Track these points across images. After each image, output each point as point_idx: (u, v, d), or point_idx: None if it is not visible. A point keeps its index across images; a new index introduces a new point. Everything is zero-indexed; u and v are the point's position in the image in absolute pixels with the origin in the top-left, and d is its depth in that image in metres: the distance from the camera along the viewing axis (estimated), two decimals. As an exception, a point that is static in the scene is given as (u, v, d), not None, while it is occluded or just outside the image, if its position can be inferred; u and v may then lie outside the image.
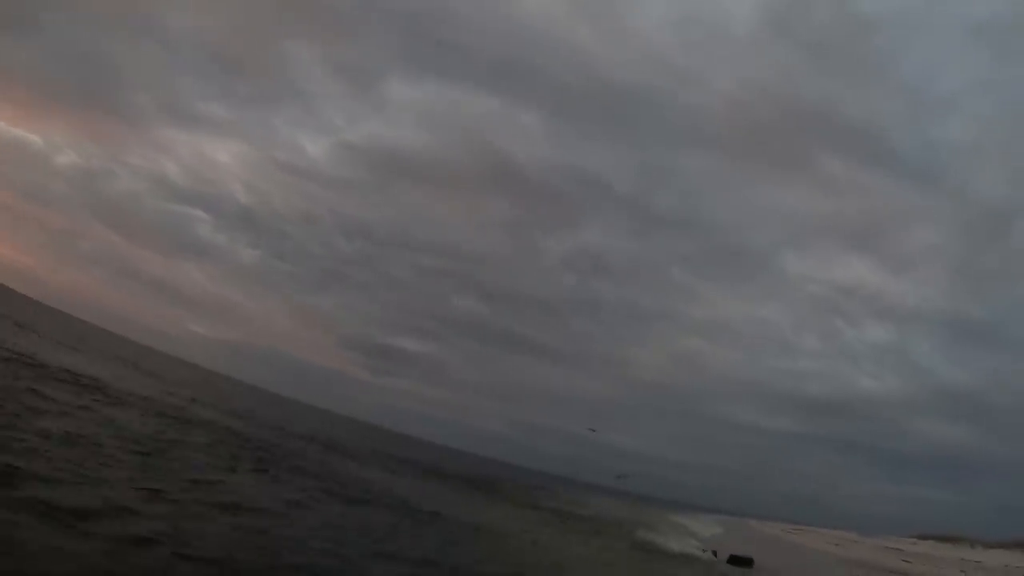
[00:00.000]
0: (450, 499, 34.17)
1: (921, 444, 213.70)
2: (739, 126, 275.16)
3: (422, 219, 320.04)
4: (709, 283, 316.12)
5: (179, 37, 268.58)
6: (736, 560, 38.62)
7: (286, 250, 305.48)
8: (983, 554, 62.28)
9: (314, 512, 17.44)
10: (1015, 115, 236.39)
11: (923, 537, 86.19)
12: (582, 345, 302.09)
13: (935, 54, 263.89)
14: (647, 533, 48.84)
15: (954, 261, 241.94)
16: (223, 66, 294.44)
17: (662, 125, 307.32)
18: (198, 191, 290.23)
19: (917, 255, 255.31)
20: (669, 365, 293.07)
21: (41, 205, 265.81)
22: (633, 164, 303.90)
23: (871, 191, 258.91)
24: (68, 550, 9.08)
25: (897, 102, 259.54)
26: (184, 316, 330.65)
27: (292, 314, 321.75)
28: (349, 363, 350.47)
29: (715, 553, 38.84)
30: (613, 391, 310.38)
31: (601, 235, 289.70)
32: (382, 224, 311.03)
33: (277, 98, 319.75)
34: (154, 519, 11.68)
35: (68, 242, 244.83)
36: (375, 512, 21.16)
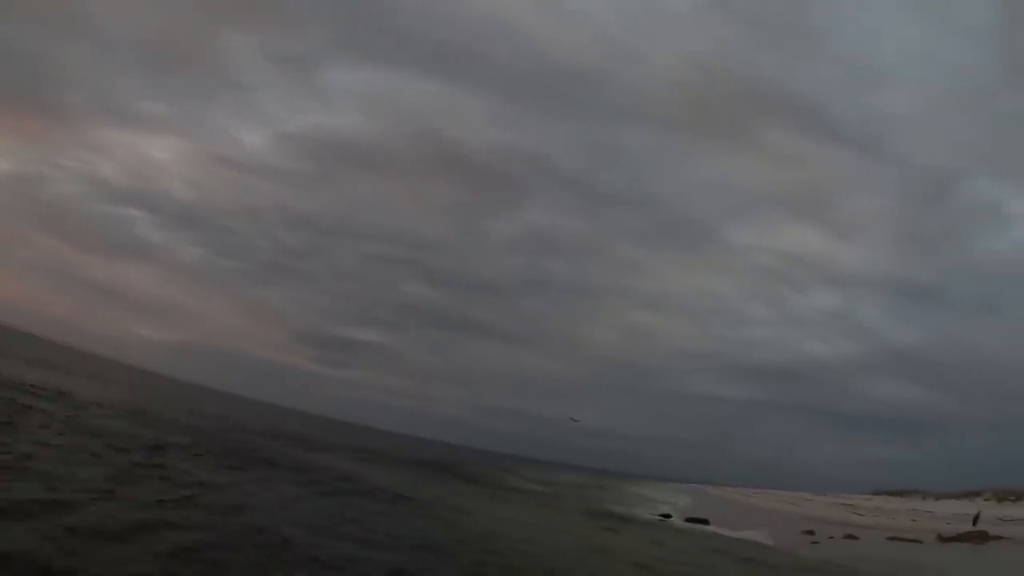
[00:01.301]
0: (421, 485, 34.59)
1: (872, 404, 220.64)
2: (682, 102, 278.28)
3: (367, 207, 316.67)
4: (657, 257, 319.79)
5: (112, 33, 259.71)
6: (693, 520, 39.25)
7: (230, 246, 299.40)
8: (933, 505, 64.30)
9: (302, 504, 18.01)
10: (952, 83, 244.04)
11: (876, 493, 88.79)
12: (535, 325, 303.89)
13: (873, 25, 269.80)
14: (605, 503, 49.28)
15: (897, 226, 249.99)
16: (158, 61, 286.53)
17: (606, 104, 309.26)
18: (137, 190, 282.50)
19: (861, 221, 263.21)
20: (622, 340, 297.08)
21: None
22: (578, 143, 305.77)
23: (814, 161, 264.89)
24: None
25: (837, 73, 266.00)
26: (130, 320, 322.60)
27: (241, 311, 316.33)
28: (302, 357, 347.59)
29: (668, 516, 39.29)
30: (568, 369, 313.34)
31: (548, 215, 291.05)
32: (327, 214, 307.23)
33: (214, 91, 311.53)
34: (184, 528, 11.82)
35: (3, 250, 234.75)
36: (356, 500, 21.68)
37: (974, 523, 41.64)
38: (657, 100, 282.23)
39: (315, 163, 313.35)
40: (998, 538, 35.67)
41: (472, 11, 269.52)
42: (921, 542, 35.22)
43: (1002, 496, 59.72)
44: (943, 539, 36.41)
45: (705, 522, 38.83)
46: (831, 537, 35.29)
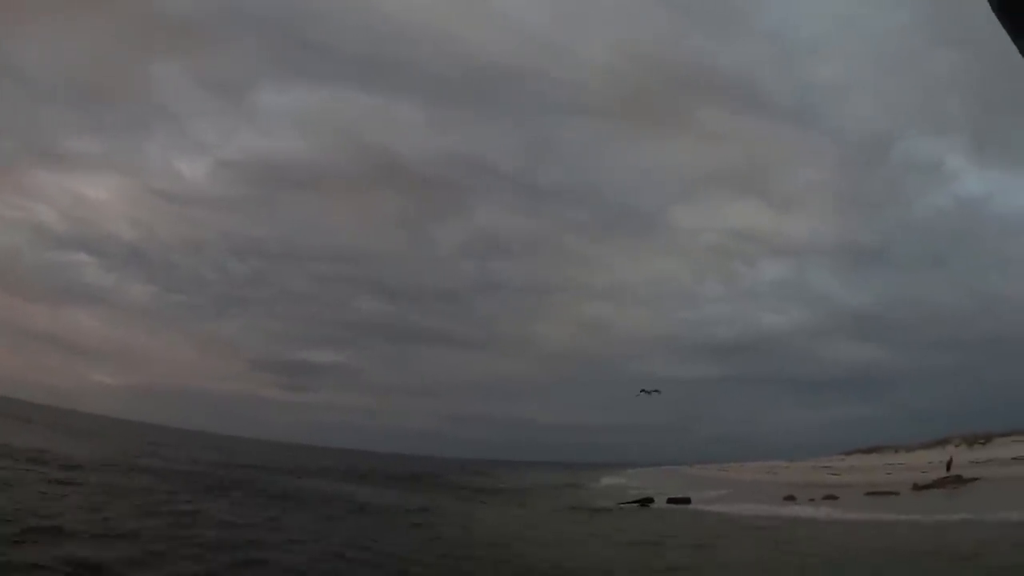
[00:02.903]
0: (401, 498, 35.47)
1: (832, 367, 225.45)
2: (615, 91, 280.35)
3: (312, 228, 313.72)
4: (606, 248, 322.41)
5: (35, 71, 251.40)
6: (674, 500, 39.73)
7: (179, 281, 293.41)
8: (906, 457, 66.17)
9: (293, 524, 19.60)
10: (878, 49, 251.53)
11: (849, 452, 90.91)
12: (492, 328, 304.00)
13: None
14: (577, 494, 49.71)
15: (839, 192, 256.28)
16: (86, 96, 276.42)
17: (540, 99, 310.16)
18: (79, 234, 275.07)
19: (803, 192, 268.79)
20: (579, 334, 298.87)
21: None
22: (515, 142, 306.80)
23: (751, 137, 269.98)
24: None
25: (765, 49, 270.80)
26: (86, 367, 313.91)
27: (196, 345, 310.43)
28: (263, 385, 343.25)
29: (649, 499, 39.69)
30: (529, 368, 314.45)
31: (493, 217, 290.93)
32: (273, 239, 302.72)
33: (147, 123, 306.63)
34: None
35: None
36: (347, 518, 23.28)
37: (947, 469, 43.03)
38: (590, 91, 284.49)
39: (256, 188, 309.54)
40: (973, 480, 36.90)
41: (397, 19, 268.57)
42: (898, 494, 36.29)
43: (971, 440, 61.72)
44: (919, 488, 37.56)
45: (687, 501, 39.35)
46: (811, 500, 36.13)
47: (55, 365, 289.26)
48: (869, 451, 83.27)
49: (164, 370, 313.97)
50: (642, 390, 39.10)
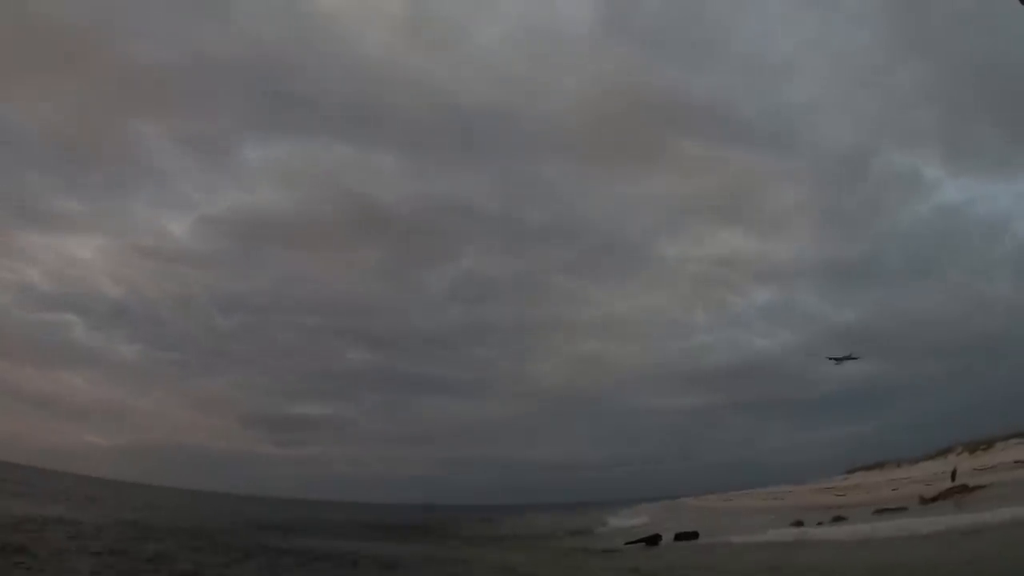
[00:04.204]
0: (408, 550, 36.23)
1: (827, 387, 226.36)
2: (592, 126, 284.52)
3: (299, 280, 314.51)
4: (593, 284, 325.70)
5: (18, 132, 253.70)
6: (682, 536, 39.43)
7: (166, 338, 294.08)
8: (910, 470, 66.23)
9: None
10: (848, 68, 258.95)
11: (852, 471, 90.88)
12: (485, 371, 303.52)
13: (766, 23, 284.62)
14: (582, 536, 49.36)
15: (819, 212, 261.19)
16: (70, 156, 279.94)
17: (518, 140, 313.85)
18: (66, 294, 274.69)
19: (784, 215, 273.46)
20: (573, 371, 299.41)
21: None
22: (497, 184, 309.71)
23: (729, 164, 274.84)
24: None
25: (737, 75, 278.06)
26: (77, 428, 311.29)
27: (186, 403, 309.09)
28: (256, 441, 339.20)
29: (656, 537, 39.41)
30: (523, 409, 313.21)
31: (479, 260, 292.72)
32: (258, 293, 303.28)
33: (132, 182, 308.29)
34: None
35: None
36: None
37: (952, 479, 43.12)
38: (568, 129, 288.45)
39: (240, 243, 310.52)
40: (980, 487, 36.98)
41: (374, 68, 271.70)
42: (907, 509, 36.27)
43: (973, 447, 61.90)
44: (925, 500, 37.60)
45: (695, 536, 39.09)
46: (820, 523, 36.04)
47: (45, 426, 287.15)
48: (872, 467, 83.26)
49: (155, 429, 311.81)
50: (831, 357, 37.53)
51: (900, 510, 36.43)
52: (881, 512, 36.75)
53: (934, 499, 37.58)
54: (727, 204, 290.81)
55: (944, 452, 66.84)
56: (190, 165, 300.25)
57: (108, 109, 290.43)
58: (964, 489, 37.96)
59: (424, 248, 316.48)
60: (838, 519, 36.73)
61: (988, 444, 60.45)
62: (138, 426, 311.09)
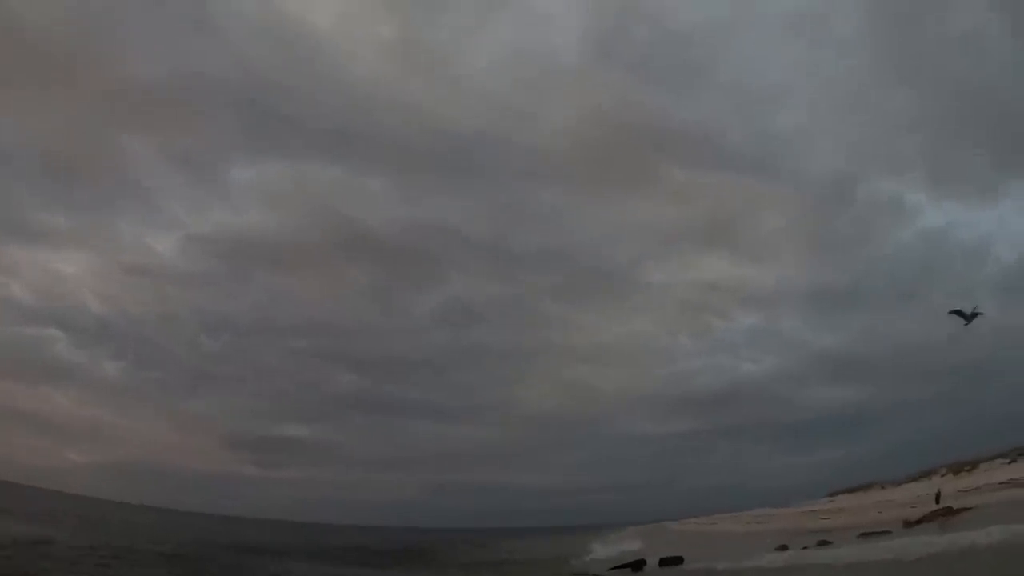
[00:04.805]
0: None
1: (812, 411, 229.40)
2: (581, 152, 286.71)
3: (285, 302, 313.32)
4: (580, 310, 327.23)
5: (6, 145, 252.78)
6: (666, 561, 39.15)
7: (150, 357, 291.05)
8: (894, 492, 66.29)
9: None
10: (835, 95, 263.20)
11: (836, 494, 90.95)
12: (471, 397, 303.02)
13: (754, 50, 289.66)
14: (569, 561, 48.98)
15: (805, 238, 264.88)
16: (58, 171, 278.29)
17: (507, 165, 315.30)
18: (49, 309, 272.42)
19: (769, 241, 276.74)
20: (559, 397, 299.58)
21: None
22: (485, 209, 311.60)
23: (716, 190, 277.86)
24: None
25: (726, 102, 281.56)
26: (57, 445, 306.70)
27: (168, 423, 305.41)
28: (237, 462, 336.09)
29: (641, 562, 39.12)
30: (510, 434, 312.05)
31: (466, 284, 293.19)
32: (245, 314, 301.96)
33: (119, 199, 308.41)
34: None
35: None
36: None
37: (937, 501, 43.09)
38: (556, 155, 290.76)
39: (226, 263, 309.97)
40: (964, 509, 36.96)
41: (364, 91, 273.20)
42: (891, 532, 36.16)
43: (957, 468, 62.12)
44: (910, 523, 37.52)
45: (679, 560, 38.81)
46: (804, 547, 35.82)
47: (26, 442, 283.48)
48: (856, 490, 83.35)
49: (137, 448, 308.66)
50: (954, 312, 35.19)
51: (884, 533, 36.31)
52: (866, 535, 36.61)
53: (918, 521, 37.51)
54: (714, 230, 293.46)
55: (928, 474, 67.01)
56: (178, 183, 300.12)
57: (97, 125, 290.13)
58: (948, 511, 37.92)
59: (412, 272, 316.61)
60: (823, 543, 36.52)
61: (972, 465, 60.65)
62: (120, 444, 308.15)
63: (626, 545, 66.16)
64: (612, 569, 38.43)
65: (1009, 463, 55.09)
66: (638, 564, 38.82)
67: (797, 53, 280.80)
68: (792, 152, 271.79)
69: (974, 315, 34.98)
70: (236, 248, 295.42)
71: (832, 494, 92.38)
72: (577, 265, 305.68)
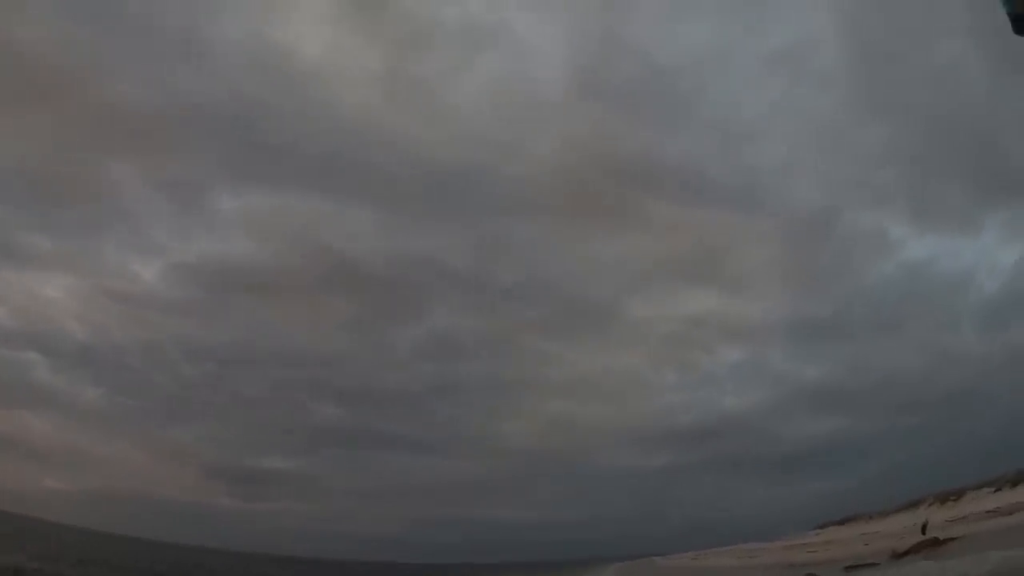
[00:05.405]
0: None
1: (797, 444, 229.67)
2: (564, 187, 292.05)
3: (267, 332, 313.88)
4: (563, 344, 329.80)
5: None
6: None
7: (131, 384, 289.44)
8: (881, 523, 65.55)
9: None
10: (815, 129, 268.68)
11: (823, 526, 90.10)
12: (452, 430, 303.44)
13: (736, 87, 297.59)
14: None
15: (788, 271, 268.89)
16: (43, 194, 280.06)
17: (490, 199, 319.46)
18: (30, 332, 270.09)
19: (753, 274, 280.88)
20: (541, 431, 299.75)
21: None
22: (468, 242, 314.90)
23: (699, 225, 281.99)
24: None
25: (708, 138, 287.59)
26: (36, 471, 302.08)
27: (148, 452, 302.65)
28: (217, 493, 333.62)
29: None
30: (493, 468, 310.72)
31: (449, 317, 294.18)
32: (227, 343, 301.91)
33: (103, 223, 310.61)
34: None
35: None
36: None
37: (923, 532, 42.39)
38: (540, 188, 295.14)
39: (209, 291, 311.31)
40: (951, 539, 36.28)
41: (351, 122, 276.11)
42: (878, 564, 35.39)
43: (943, 498, 61.54)
44: (897, 555, 36.75)
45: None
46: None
47: (4, 467, 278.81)
48: (843, 522, 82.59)
49: (116, 476, 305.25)
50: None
51: (871, 565, 35.51)
52: (852, 568, 35.80)
53: (906, 553, 36.74)
54: (696, 264, 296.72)
55: (915, 504, 66.42)
56: (163, 210, 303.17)
57: (84, 148, 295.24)
58: (936, 542, 37.19)
59: (394, 304, 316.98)
60: (809, 576, 35.69)
61: (958, 495, 60.10)
62: (98, 472, 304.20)
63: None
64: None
65: (995, 491, 54.56)
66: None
67: (776, 90, 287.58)
68: (774, 186, 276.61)
69: None
70: (219, 277, 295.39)
71: (820, 526, 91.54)
72: (561, 298, 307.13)
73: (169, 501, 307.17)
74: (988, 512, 44.38)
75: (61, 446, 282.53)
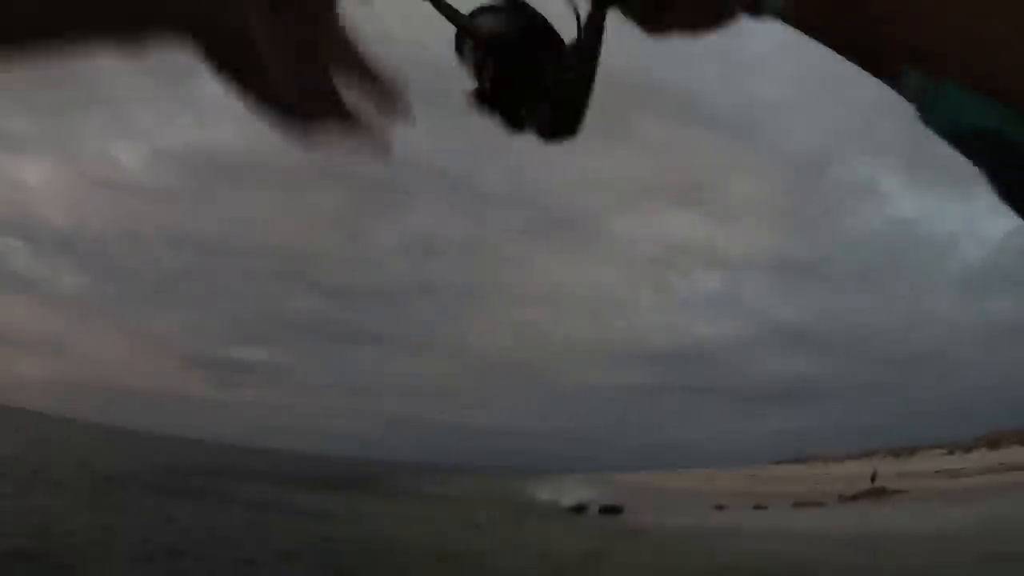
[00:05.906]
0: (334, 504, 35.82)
1: (764, 380, 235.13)
2: None
3: (249, 222, 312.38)
4: (543, 254, 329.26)
5: None
6: (606, 510, 40.30)
7: (112, 271, 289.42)
8: (834, 467, 68.40)
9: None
10: (820, 73, 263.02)
11: (779, 462, 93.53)
12: (425, 330, 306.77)
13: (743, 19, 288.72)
14: (508, 501, 50.26)
15: (775, 208, 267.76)
16: (20, 71, 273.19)
17: None
18: (10, 218, 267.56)
19: (740, 206, 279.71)
20: (513, 338, 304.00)
21: None
22: (457, 145, 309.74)
23: (692, 150, 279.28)
24: None
25: (710, 66, 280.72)
26: (11, 358, 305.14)
27: (126, 339, 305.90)
28: (194, 382, 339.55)
29: (583, 507, 40.32)
30: (463, 372, 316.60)
31: (431, 218, 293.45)
32: (208, 232, 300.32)
33: (84, 105, 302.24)
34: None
35: None
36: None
37: (872, 481, 44.79)
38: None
39: (192, 179, 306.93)
40: (896, 492, 38.51)
41: None
42: (825, 504, 37.60)
43: (898, 452, 64.26)
44: (844, 499, 39.03)
45: (619, 511, 39.97)
46: (742, 510, 37.14)
47: None
48: (798, 461, 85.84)
49: (92, 364, 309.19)
50: None
51: (818, 505, 37.74)
52: (800, 506, 38.03)
53: (853, 498, 39.01)
54: (684, 188, 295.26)
55: (869, 454, 69.32)
56: (146, 94, 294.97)
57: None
58: (882, 491, 39.49)
59: (378, 200, 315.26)
60: (759, 507, 37.90)
61: (911, 451, 62.81)
62: (75, 360, 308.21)
63: (570, 491, 67.81)
64: (557, 510, 39.61)
65: (948, 454, 57.13)
66: (578, 508, 39.99)
67: (783, 29, 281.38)
68: (770, 122, 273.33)
69: None
70: (202, 164, 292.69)
71: (776, 462, 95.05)
72: (544, 209, 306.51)
73: (145, 390, 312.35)
74: (937, 472, 46.75)
75: (38, 334, 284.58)
